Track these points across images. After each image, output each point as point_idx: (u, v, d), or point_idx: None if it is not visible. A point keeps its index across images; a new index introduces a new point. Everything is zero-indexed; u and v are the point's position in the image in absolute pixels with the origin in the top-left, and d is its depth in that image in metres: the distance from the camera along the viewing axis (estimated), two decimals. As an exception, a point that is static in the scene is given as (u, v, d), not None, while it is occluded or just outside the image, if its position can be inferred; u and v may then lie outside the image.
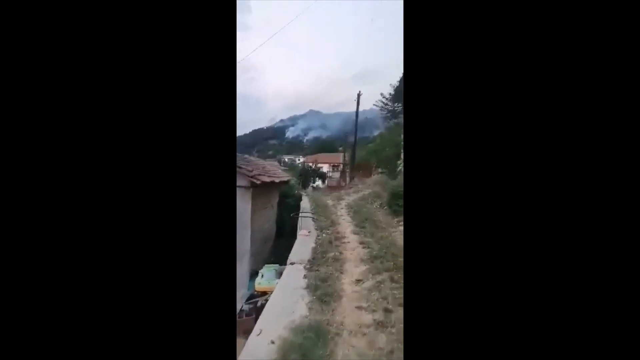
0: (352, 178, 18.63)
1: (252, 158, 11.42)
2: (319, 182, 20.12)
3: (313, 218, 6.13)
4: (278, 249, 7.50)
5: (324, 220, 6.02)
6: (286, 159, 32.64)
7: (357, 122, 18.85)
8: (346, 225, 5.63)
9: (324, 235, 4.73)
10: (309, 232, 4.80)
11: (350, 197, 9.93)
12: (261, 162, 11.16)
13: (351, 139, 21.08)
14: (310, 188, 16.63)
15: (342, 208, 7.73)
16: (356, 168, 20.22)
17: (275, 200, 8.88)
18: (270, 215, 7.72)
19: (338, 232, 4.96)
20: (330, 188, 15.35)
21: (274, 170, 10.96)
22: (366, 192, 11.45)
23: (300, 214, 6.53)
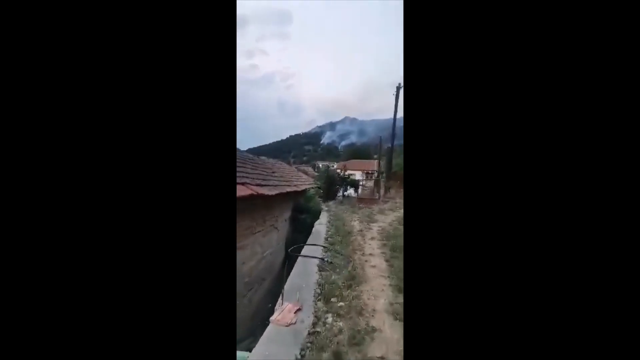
0: (387, 189, 15.84)
1: (263, 159, 9.28)
2: (350, 191, 17.50)
3: (323, 259, 3.66)
4: (278, 287, 5.17)
5: (340, 263, 3.53)
6: (320, 165, 30.91)
7: (395, 116, 15.80)
8: (379, 282, 3.08)
9: (329, 320, 2.24)
10: (298, 309, 2.34)
11: (386, 218, 7.26)
12: (271, 163, 8.95)
13: (387, 145, 18.28)
14: (339, 198, 14.07)
15: (373, 238, 5.14)
16: (393, 177, 17.39)
17: (282, 217, 6.56)
18: (268, 241, 5.39)
19: (362, 307, 2.44)
20: (361, 200, 12.64)
21: (291, 176, 8.70)
22: (407, 209, 8.70)
23: (302, 251, 4.08)
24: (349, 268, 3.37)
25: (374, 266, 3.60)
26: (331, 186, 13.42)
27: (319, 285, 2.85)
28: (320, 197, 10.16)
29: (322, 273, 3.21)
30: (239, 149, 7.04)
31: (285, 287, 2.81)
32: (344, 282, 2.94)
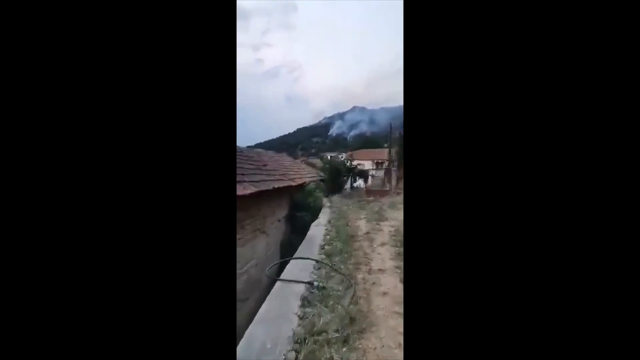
0: (399, 178, 14.57)
1: (258, 151, 8.23)
2: (360, 182, 16.27)
3: (312, 284, 2.57)
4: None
5: (336, 290, 2.44)
6: (329, 157, 29.87)
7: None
8: (394, 325, 1.97)
9: None
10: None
11: (398, 214, 6.09)
12: (268, 156, 7.88)
13: (398, 131, 16.91)
14: (346, 190, 12.90)
15: (383, 243, 4.00)
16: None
17: (274, 217, 5.51)
18: (250, 251, 4.35)
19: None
20: (370, 192, 11.46)
21: (288, 169, 7.63)
22: (424, 202, 7.47)
23: (285, 270, 2.98)
24: (349, 300, 2.27)
25: (385, 293, 2.48)
26: (336, 178, 12.24)
27: (296, 340, 1.77)
28: (323, 190, 9.03)
29: (306, 310, 2.12)
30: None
31: (240, 345, 1.74)
32: (337, 330, 1.85)
